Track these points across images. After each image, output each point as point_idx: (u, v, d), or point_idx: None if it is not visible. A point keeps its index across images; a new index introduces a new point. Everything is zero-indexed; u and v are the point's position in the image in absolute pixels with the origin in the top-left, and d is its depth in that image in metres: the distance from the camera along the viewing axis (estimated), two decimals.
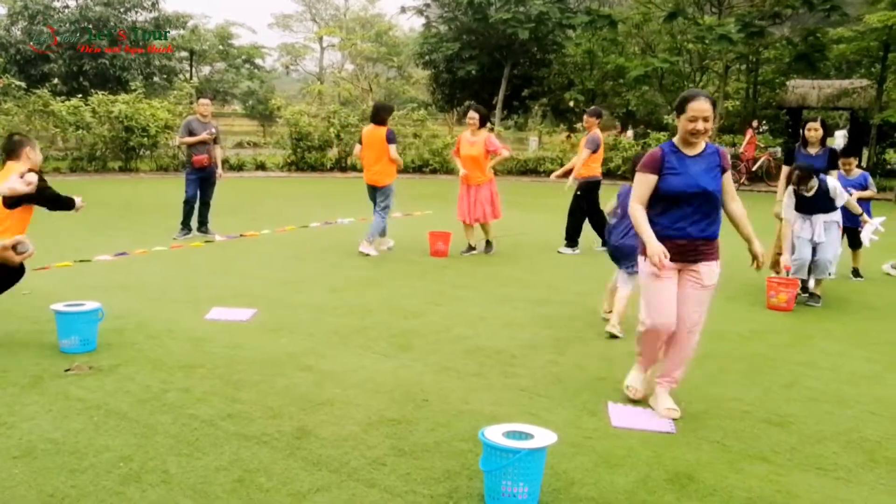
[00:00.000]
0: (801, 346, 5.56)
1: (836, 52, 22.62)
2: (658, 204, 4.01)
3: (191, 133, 9.53)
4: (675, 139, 4.05)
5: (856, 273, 8.11)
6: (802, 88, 24.25)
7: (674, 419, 4.00)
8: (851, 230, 7.78)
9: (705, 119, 3.88)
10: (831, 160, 7.15)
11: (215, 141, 9.74)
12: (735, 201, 4.13)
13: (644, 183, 4.02)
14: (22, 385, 4.23)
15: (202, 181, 9.64)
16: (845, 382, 4.76)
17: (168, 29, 31.42)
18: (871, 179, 8.16)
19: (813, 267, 6.78)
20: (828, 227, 6.73)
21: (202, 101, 10.00)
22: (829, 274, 6.85)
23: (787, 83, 24.35)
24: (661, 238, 3.92)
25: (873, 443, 3.83)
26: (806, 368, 5.01)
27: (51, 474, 3.21)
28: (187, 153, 9.80)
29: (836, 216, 6.79)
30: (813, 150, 7.20)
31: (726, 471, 3.45)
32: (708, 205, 3.97)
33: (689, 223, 3.96)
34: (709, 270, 4.01)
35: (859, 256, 8.11)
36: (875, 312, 6.73)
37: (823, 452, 3.69)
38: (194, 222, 9.75)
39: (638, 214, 4.01)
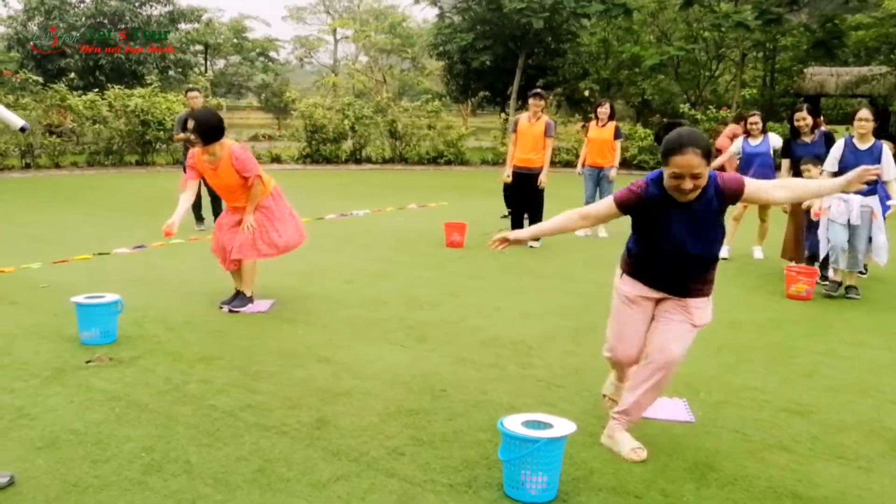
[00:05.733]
0: (821, 336, 5.51)
1: (855, 39, 22.37)
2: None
3: (185, 128, 9.54)
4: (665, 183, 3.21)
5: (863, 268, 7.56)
6: (820, 76, 24.00)
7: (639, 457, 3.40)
8: None
9: (694, 176, 3.07)
10: (828, 143, 7.03)
11: None
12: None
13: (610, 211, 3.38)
14: (44, 377, 4.28)
15: None
16: (866, 372, 4.72)
17: (182, 22, 31.53)
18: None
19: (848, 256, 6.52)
20: (863, 214, 6.42)
21: (191, 94, 9.93)
22: (861, 270, 6.64)
23: (805, 71, 24.12)
24: None
25: (895, 432, 3.80)
26: (826, 358, 4.97)
27: (74, 464, 3.24)
28: (184, 147, 9.79)
29: (873, 202, 6.46)
30: (807, 139, 7.28)
31: (746, 460, 3.43)
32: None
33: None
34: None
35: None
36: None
37: (844, 442, 3.67)
38: (208, 214, 9.77)
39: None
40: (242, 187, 5.72)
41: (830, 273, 6.79)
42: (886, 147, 6.34)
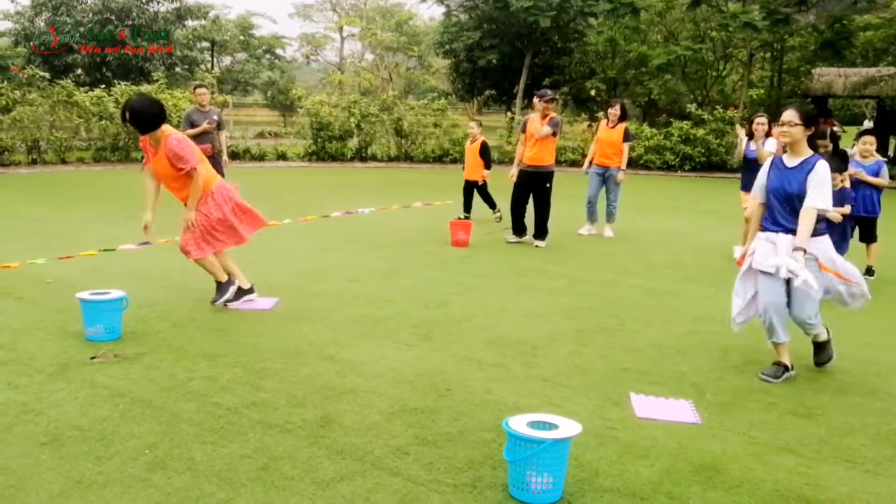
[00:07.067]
0: None
1: (863, 40, 22.28)
2: None
3: (192, 125, 9.55)
4: None
5: (868, 271, 7.37)
6: (828, 77, 23.88)
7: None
8: (864, 220, 7.35)
9: None
10: (835, 151, 6.93)
11: (219, 127, 9.74)
12: None
13: None
14: (48, 373, 4.28)
15: None
16: (874, 374, 4.69)
17: (189, 19, 31.58)
18: (885, 168, 7.32)
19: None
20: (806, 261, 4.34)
21: (199, 90, 9.86)
22: (813, 330, 4.59)
23: (813, 71, 24.01)
24: None
25: None
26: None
27: (78, 461, 3.24)
28: None
29: (821, 245, 4.48)
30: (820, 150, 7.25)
31: (753, 462, 3.41)
32: None
33: None
34: None
35: (874, 252, 7.49)
36: None
37: (852, 445, 3.64)
38: None
39: None
40: (179, 178, 5.43)
41: (769, 345, 4.68)
42: (822, 165, 4.38)
